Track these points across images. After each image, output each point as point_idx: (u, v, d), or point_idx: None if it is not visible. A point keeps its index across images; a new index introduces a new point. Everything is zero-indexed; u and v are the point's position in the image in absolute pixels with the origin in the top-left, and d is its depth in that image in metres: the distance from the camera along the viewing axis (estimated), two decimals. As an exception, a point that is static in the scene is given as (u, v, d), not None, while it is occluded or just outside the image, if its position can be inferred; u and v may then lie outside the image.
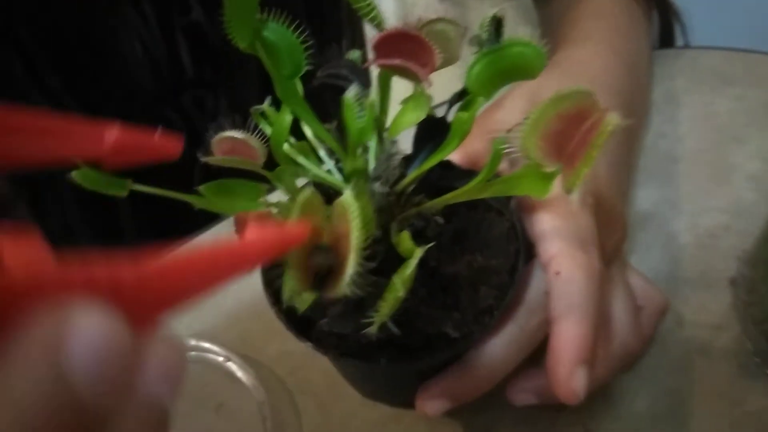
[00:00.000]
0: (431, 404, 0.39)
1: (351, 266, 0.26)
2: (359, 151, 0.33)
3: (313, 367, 0.50)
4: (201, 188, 0.34)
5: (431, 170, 0.35)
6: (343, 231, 0.27)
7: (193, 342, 0.52)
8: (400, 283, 0.28)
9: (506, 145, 0.29)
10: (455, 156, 0.42)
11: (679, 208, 0.56)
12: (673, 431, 0.44)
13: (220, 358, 0.51)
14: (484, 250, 0.38)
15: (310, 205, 0.27)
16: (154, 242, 0.19)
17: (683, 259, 0.53)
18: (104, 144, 0.22)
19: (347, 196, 0.27)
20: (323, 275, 0.28)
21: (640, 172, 0.58)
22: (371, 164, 0.34)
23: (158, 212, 0.64)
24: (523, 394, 0.41)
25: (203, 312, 0.55)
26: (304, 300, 0.29)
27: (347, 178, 0.33)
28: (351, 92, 0.32)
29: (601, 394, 0.46)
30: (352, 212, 0.27)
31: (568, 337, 0.35)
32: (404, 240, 0.32)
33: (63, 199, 0.67)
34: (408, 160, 0.36)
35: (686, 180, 0.58)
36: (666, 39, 0.71)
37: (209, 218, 0.65)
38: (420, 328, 0.36)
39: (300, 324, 0.37)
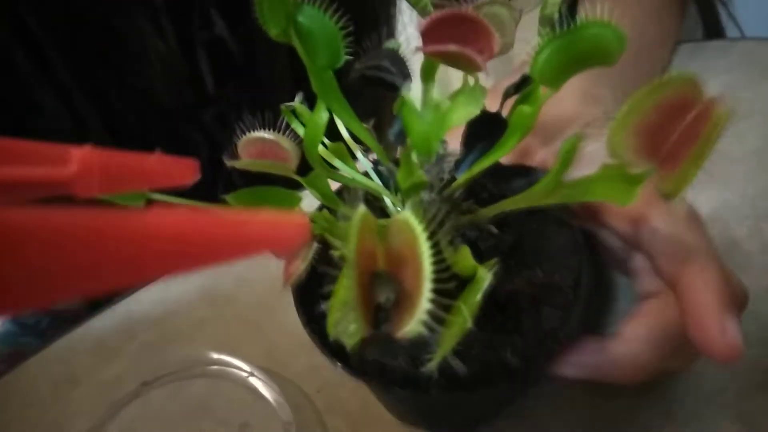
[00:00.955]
0: (566, 368, 0.34)
1: (424, 300, 0.22)
2: (416, 160, 0.29)
3: (344, 384, 0.46)
4: (229, 198, 0.30)
5: (485, 175, 0.31)
6: (407, 255, 0.23)
7: (214, 355, 0.49)
8: (468, 310, 0.24)
9: (583, 141, 0.24)
10: None
11: (742, 212, 0.52)
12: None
13: (244, 374, 0.48)
14: (544, 264, 0.33)
15: (367, 226, 0.23)
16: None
17: (748, 268, 0.48)
18: (69, 169, 0.18)
19: (410, 216, 0.23)
20: (386, 308, 0.24)
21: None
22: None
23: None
24: (574, 368, 0.35)
25: (225, 323, 0.52)
26: (355, 336, 0.25)
27: (405, 194, 0.29)
28: (406, 87, 0.28)
29: (663, 413, 0.42)
30: (419, 236, 0.23)
31: (703, 284, 0.29)
32: (464, 257, 0.27)
33: None
34: (455, 163, 0.32)
35: (748, 182, 0.53)
36: (712, 29, 0.66)
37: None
38: (475, 355, 0.31)
39: (335, 345, 0.33)
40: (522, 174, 0.33)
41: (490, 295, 0.33)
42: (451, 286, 0.23)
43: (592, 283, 0.33)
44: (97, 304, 0.56)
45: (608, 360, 0.33)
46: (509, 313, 0.32)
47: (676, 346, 0.33)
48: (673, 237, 0.31)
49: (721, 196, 0.52)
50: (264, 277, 0.54)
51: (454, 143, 0.32)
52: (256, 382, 0.47)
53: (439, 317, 0.23)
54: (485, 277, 0.24)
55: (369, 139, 0.31)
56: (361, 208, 0.23)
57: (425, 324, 0.22)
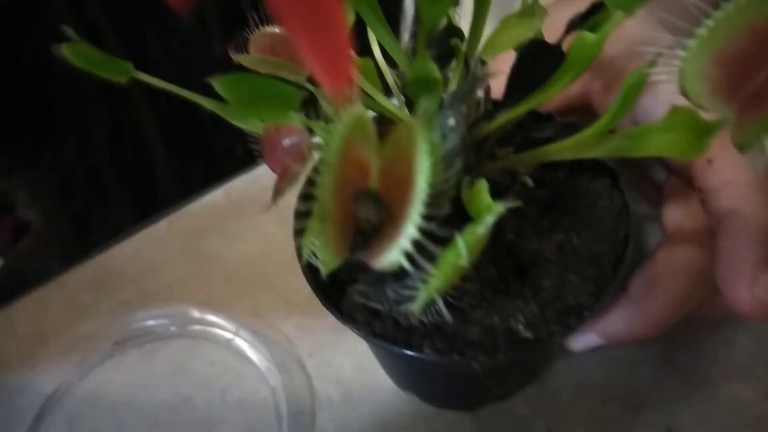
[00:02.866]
0: (581, 339, 0.32)
1: (408, 225, 0.18)
2: (431, 50, 0.24)
3: (338, 347, 0.42)
4: (216, 82, 0.25)
5: (524, 119, 0.26)
6: (401, 174, 0.19)
7: (195, 314, 0.44)
8: (466, 246, 0.19)
9: (654, 72, 0.20)
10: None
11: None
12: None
13: (228, 334, 0.44)
14: (582, 231, 0.29)
15: (359, 129, 0.19)
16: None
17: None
18: None
19: (413, 121, 0.19)
20: (366, 232, 0.20)
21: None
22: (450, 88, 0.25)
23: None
24: (584, 337, 0.33)
25: (209, 280, 0.47)
26: (327, 262, 0.21)
27: (413, 88, 0.24)
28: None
29: (689, 385, 0.38)
30: (418, 146, 0.18)
31: (744, 233, 0.27)
32: (479, 193, 0.23)
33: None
34: (501, 103, 0.27)
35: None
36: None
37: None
38: (480, 319, 0.27)
39: (330, 288, 0.29)
40: (568, 129, 0.28)
41: (511, 255, 0.29)
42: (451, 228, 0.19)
43: (633, 258, 0.29)
44: (71, 258, 0.51)
45: (641, 320, 0.30)
46: (530, 278, 0.28)
47: (702, 283, 0.30)
48: (727, 177, 0.28)
49: None
50: (254, 234, 0.50)
51: (501, 82, 0.28)
52: (241, 344, 0.43)
53: (427, 251, 0.18)
54: (495, 210, 0.20)
55: (401, 57, 0.27)
56: (358, 107, 0.19)
57: (407, 255, 0.17)
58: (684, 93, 0.20)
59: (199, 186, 0.54)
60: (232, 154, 0.58)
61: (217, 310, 0.44)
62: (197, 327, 0.44)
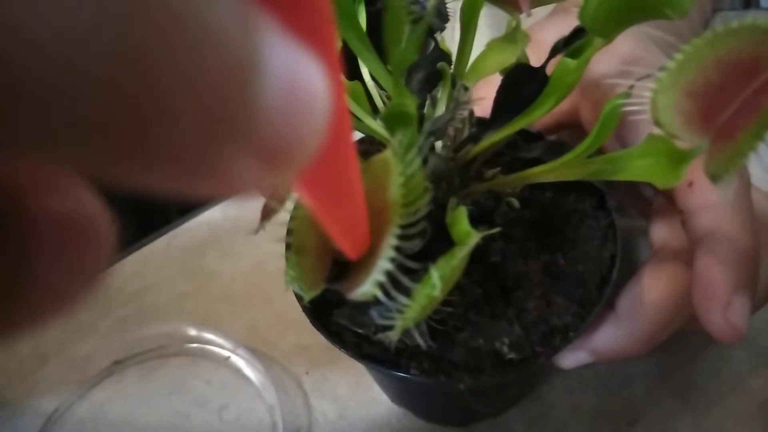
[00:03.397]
0: (571, 357, 0.32)
1: (382, 259, 0.18)
2: (403, 79, 0.24)
3: (334, 364, 0.43)
4: None
5: (514, 138, 0.26)
6: (378, 206, 0.19)
7: (193, 332, 0.45)
8: (439, 277, 0.19)
9: (627, 102, 0.20)
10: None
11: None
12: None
13: (226, 352, 0.44)
14: (568, 252, 0.29)
15: None
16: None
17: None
18: None
19: (389, 153, 0.19)
20: (343, 263, 0.21)
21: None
22: (435, 114, 0.26)
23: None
24: (574, 355, 0.32)
25: (207, 298, 0.48)
26: (306, 291, 0.21)
27: (388, 123, 0.24)
28: (442, 29, 0.24)
29: (682, 400, 0.39)
30: (393, 175, 0.19)
31: (720, 256, 0.27)
32: (459, 219, 0.23)
33: None
34: (486, 125, 0.27)
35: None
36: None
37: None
38: (464, 341, 0.28)
39: (321, 308, 0.29)
40: (557, 149, 0.29)
41: (496, 276, 0.29)
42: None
43: (620, 278, 0.30)
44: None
45: (628, 337, 0.30)
46: (515, 300, 0.28)
47: (688, 300, 0.30)
48: (706, 200, 0.28)
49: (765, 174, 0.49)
50: (250, 252, 0.51)
51: (488, 104, 0.28)
52: (239, 362, 0.43)
53: (401, 283, 0.19)
54: (470, 240, 0.20)
55: (389, 83, 0.27)
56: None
57: (381, 287, 0.18)
58: (657, 123, 0.20)
59: (197, 204, 0.55)
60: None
61: (215, 328, 0.45)
62: (195, 345, 0.45)
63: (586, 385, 0.40)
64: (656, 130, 0.21)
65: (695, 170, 0.29)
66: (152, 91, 0.07)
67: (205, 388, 0.43)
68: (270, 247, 0.51)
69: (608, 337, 0.31)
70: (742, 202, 0.28)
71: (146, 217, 0.60)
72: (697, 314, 0.27)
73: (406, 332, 0.22)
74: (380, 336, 0.21)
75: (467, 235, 0.21)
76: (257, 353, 0.43)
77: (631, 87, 0.20)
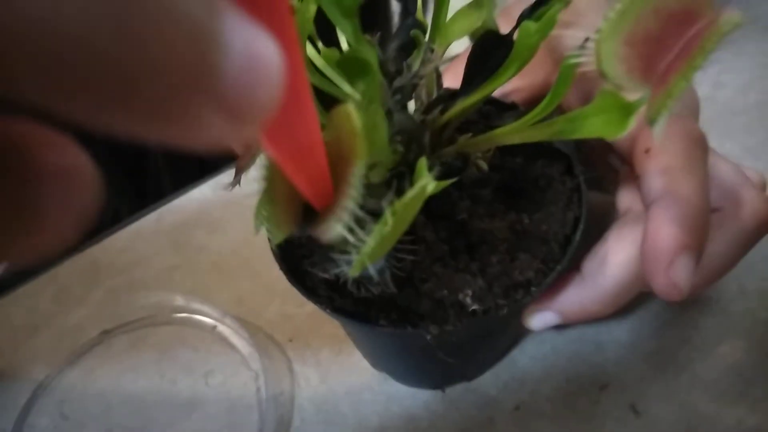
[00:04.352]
0: (538, 317, 0.33)
1: (348, 198, 0.20)
2: (394, 41, 0.25)
3: (316, 333, 0.44)
4: None
5: (488, 109, 0.28)
6: (342, 152, 0.20)
7: (180, 302, 0.46)
8: (393, 214, 0.20)
9: (581, 60, 0.21)
10: (510, 89, 0.35)
11: (744, 163, 0.49)
12: (736, 411, 0.38)
13: (212, 320, 0.45)
14: (534, 212, 0.31)
15: None
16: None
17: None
18: None
19: (350, 104, 0.20)
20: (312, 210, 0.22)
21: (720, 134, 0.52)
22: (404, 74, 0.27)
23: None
24: (541, 315, 0.34)
25: (195, 271, 0.49)
26: (275, 233, 0.22)
27: (344, 70, 0.25)
28: None
29: (653, 366, 0.40)
30: (355, 124, 0.20)
31: (666, 218, 0.28)
32: (420, 170, 0.24)
33: None
34: (457, 92, 0.29)
35: (749, 134, 0.51)
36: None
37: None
38: (429, 291, 0.29)
39: (297, 266, 0.31)
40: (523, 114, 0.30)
41: (462, 233, 0.31)
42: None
43: (586, 238, 0.31)
44: (67, 250, 0.53)
45: (592, 296, 0.31)
46: (479, 255, 0.29)
47: None
48: (660, 164, 0.29)
49: (722, 147, 0.50)
50: (238, 225, 0.52)
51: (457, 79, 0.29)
52: (225, 330, 0.45)
53: (364, 222, 0.20)
54: (423, 181, 0.21)
55: (366, 52, 0.28)
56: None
57: (347, 227, 0.19)
58: (602, 74, 0.21)
59: (189, 179, 0.56)
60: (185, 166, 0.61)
61: (203, 298, 0.46)
62: (183, 315, 0.46)
63: (559, 351, 0.41)
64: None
65: (651, 138, 0.31)
66: (134, 54, 0.09)
67: (191, 356, 0.44)
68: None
69: (574, 297, 0.33)
70: (695, 166, 0.30)
71: (137, 193, 0.61)
72: (644, 271, 0.28)
73: (371, 279, 0.24)
74: (340, 274, 0.22)
75: (423, 179, 0.22)
76: (243, 322, 0.45)
77: (585, 42, 0.21)
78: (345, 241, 0.21)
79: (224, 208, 0.54)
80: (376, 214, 0.21)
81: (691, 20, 0.19)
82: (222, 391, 0.42)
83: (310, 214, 0.23)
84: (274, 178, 0.22)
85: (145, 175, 0.62)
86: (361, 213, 0.20)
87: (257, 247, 0.50)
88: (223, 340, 0.45)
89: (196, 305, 0.46)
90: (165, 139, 0.11)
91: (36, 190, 0.11)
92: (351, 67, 0.22)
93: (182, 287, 0.48)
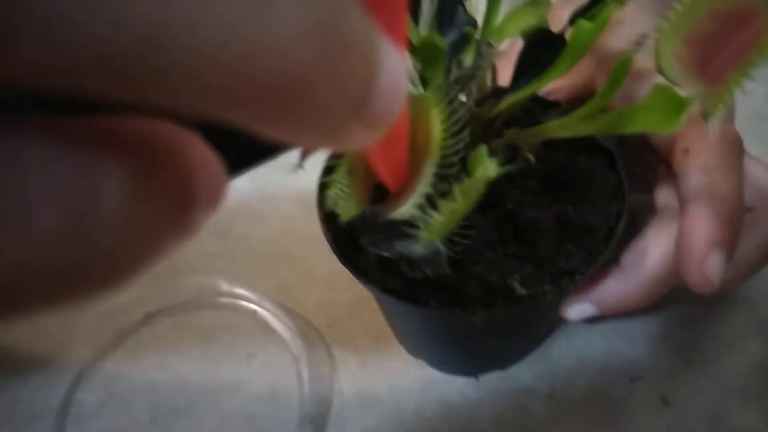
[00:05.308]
0: (576, 308, 0.34)
1: (424, 181, 0.21)
2: (447, 36, 0.27)
3: (355, 319, 0.46)
4: None
5: (533, 106, 0.29)
6: (417, 139, 0.22)
7: (224, 287, 0.48)
8: (462, 194, 0.22)
9: (635, 57, 0.23)
10: (551, 88, 0.36)
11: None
12: (763, 405, 0.39)
13: (255, 306, 0.47)
14: (578, 204, 0.32)
15: None
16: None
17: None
18: None
19: (428, 93, 0.22)
20: (384, 188, 0.23)
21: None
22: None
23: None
24: (579, 306, 0.35)
25: (236, 258, 0.51)
26: (349, 209, 0.24)
27: (418, 55, 0.26)
28: None
29: (683, 359, 0.41)
30: (433, 112, 0.21)
31: (701, 215, 0.30)
32: (479, 156, 0.26)
33: None
34: (507, 88, 0.30)
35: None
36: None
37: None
38: (479, 275, 0.30)
39: (348, 247, 0.32)
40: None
41: (511, 221, 0.32)
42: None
43: (624, 234, 0.32)
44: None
45: (631, 288, 0.33)
46: (527, 241, 0.31)
47: None
48: (698, 164, 0.31)
49: (751, 151, 0.51)
50: (277, 215, 0.54)
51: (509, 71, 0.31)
52: (266, 315, 0.46)
53: (435, 203, 0.22)
54: (488, 164, 0.22)
55: (418, 40, 0.30)
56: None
57: (420, 207, 0.21)
58: (660, 70, 0.23)
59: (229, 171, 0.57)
60: (257, 145, 0.62)
61: (244, 284, 0.48)
62: (225, 299, 0.48)
63: (592, 343, 0.42)
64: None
65: (691, 138, 0.32)
66: (323, 83, 0.10)
67: (234, 339, 0.46)
68: (295, 212, 0.55)
69: (612, 288, 0.34)
70: (732, 166, 0.31)
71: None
72: (677, 265, 0.30)
73: (427, 259, 0.25)
74: (406, 251, 0.24)
75: (487, 165, 0.24)
76: (284, 308, 0.46)
77: (639, 42, 0.23)
78: (415, 218, 0.22)
79: (262, 200, 0.55)
80: (441, 195, 0.23)
81: (746, 21, 0.21)
82: (264, 374, 0.44)
83: (380, 194, 0.24)
84: (352, 158, 0.24)
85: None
86: (432, 193, 0.22)
87: (296, 237, 0.52)
88: (265, 325, 0.46)
89: (239, 290, 0.48)
90: (305, 145, 0.12)
91: (189, 189, 0.12)
92: (426, 53, 0.23)
93: (225, 273, 0.50)
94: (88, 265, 0.10)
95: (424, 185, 0.21)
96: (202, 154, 0.12)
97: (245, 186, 0.57)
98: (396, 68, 0.12)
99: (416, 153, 0.22)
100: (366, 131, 0.12)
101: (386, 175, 0.21)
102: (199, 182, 0.12)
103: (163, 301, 0.48)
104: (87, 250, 0.10)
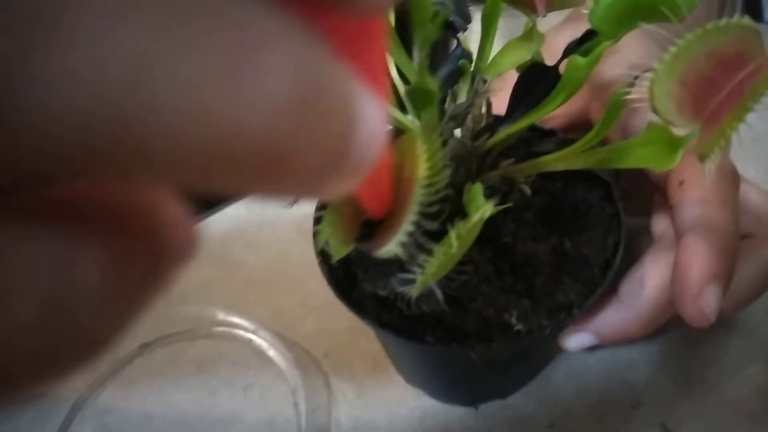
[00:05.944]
0: (575, 338, 0.34)
1: (407, 219, 0.21)
2: (442, 69, 0.27)
3: (352, 348, 0.45)
4: None
5: (528, 135, 0.29)
6: (405, 176, 0.22)
7: (220, 316, 0.47)
8: (457, 237, 0.22)
9: (630, 95, 0.23)
10: (547, 116, 0.36)
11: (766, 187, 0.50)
12: (764, 431, 0.39)
13: (251, 335, 0.46)
14: (575, 236, 0.32)
15: None
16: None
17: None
18: None
19: (415, 131, 0.22)
20: (372, 225, 0.23)
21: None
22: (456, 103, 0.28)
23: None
24: (578, 336, 0.35)
25: (232, 285, 0.50)
26: (340, 249, 0.24)
27: (411, 98, 0.26)
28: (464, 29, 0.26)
29: (683, 385, 0.41)
30: (418, 151, 0.21)
31: (697, 248, 0.29)
32: (475, 194, 0.26)
33: None
34: (502, 119, 0.30)
35: (772, 159, 0.52)
36: (751, 12, 0.65)
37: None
38: (476, 310, 0.30)
39: (343, 282, 0.32)
40: (568, 144, 0.31)
41: (507, 255, 0.32)
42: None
43: (623, 269, 0.32)
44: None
45: (629, 318, 0.33)
46: (523, 275, 0.31)
47: None
48: (693, 197, 0.31)
49: (746, 172, 0.51)
50: (273, 241, 0.53)
51: (504, 102, 0.31)
52: (263, 344, 0.46)
53: (422, 242, 0.21)
54: (485, 208, 0.22)
55: (413, 75, 0.30)
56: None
57: (404, 246, 0.20)
58: (654, 110, 0.22)
59: (224, 198, 0.57)
60: None
61: (240, 312, 0.47)
62: (221, 329, 0.47)
63: (591, 370, 0.42)
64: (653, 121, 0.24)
65: (686, 170, 0.32)
66: (298, 146, 0.10)
67: (230, 369, 0.46)
68: (291, 237, 0.54)
69: (611, 318, 0.34)
70: (727, 199, 0.31)
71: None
72: (673, 299, 0.30)
73: (423, 297, 0.25)
74: (402, 293, 0.24)
75: (482, 205, 0.23)
76: (280, 337, 0.46)
77: (634, 80, 0.23)
78: (409, 258, 0.22)
79: (258, 225, 0.55)
80: (431, 235, 0.23)
81: (742, 64, 0.21)
82: (261, 405, 0.43)
83: (369, 233, 0.24)
84: (340, 201, 0.24)
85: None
86: (419, 232, 0.21)
87: (292, 264, 0.51)
88: (261, 354, 0.46)
89: (235, 319, 0.47)
90: (282, 196, 0.12)
91: (163, 251, 0.12)
92: (417, 97, 0.23)
93: (219, 301, 0.49)
94: (72, 341, 0.10)
95: (407, 223, 0.21)
96: (173, 211, 0.12)
97: (241, 212, 0.56)
98: (374, 117, 0.12)
99: (402, 190, 0.21)
100: (344, 181, 0.12)
101: (372, 210, 0.21)
102: (171, 241, 0.12)
103: (158, 331, 0.48)
104: (68, 331, 0.10)
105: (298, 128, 0.10)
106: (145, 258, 0.11)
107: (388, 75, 0.16)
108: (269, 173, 0.10)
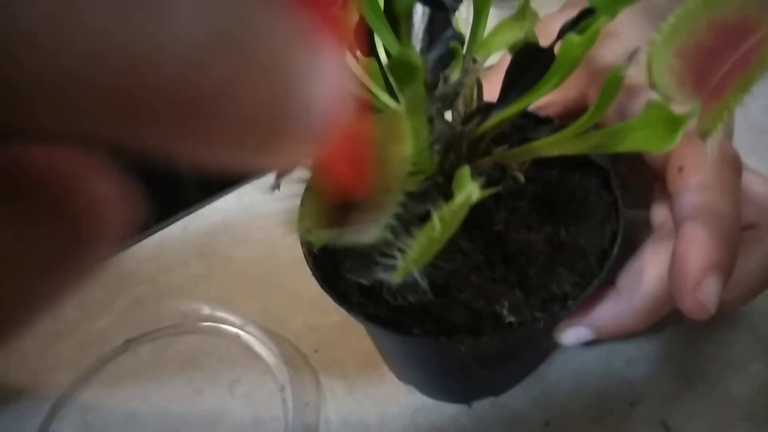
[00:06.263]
0: (571, 332, 0.33)
1: (390, 202, 0.20)
2: (432, 51, 0.25)
3: (342, 344, 0.44)
4: None
5: (523, 122, 0.27)
6: (388, 156, 0.20)
7: (206, 311, 0.46)
8: (440, 219, 0.20)
9: (627, 73, 0.21)
10: (543, 103, 0.35)
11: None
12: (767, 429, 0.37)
13: (238, 330, 0.45)
14: (571, 225, 0.30)
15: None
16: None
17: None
18: None
19: (399, 108, 0.20)
20: (353, 209, 0.22)
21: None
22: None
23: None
24: (574, 330, 0.33)
25: (220, 280, 0.49)
26: (320, 235, 0.22)
27: (394, 74, 0.25)
28: (456, 8, 0.25)
29: (684, 382, 0.39)
30: (402, 128, 0.20)
31: (696, 237, 0.28)
32: (462, 177, 0.24)
33: None
34: (495, 104, 0.29)
35: (775, 151, 0.51)
36: None
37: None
38: (466, 301, 0.29)
39: (330, 273, 0.30)
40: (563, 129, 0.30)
41: (499, 244, 0.30)
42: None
43: (620, 253, 0.31)
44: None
45: (628, 311, 0.31)
46: (516, 265, 0.29)
47: None
48: (693, 183, 0.29)
49: (749, 163, 0.50)
50: (262, 238, 0.52)
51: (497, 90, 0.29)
52: (251, 340, 0.45)
53: (409, 227, 0.20)
54: (471, 191, 0.21)
55: (395, 44, 0.28)
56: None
57: (391, 228, 0.19)
58: (653, 85, 0.21)
59: (216, 190, 0.56)
60: (204, 181, 0.61)
61: (227, 308, 0.46)
62: (208, 324, 0.46)
63: (589, 367, 0.41)
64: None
65: (686, 156, 0.30)
66: (220, 87, 0.09)
67: (216, 365, 0.44)
68: (281, 232, 0.53)
69: (609, 311, 0.32)
70: (729, 185, 0.29)
71: (165, 202, 0.62)
72: (671, 290, 0.28)
73: (408, 286, 0.23)
74: (383, 281, 0.22)
75: (468, 187, 0.22)
76: (268, 332, 0.45)
77: (631, 57, 0.21)
78: (388, 244, 0.21)
79: (249, 219, 0.54)
80: (416, 220, 0.21)
81: (746, 34, 0.19)
82: (248, 402, 0.42)
83: (352, 219, 0.23)
84: (317, 183, 0.22)
85: (174, 185, 0.62)
86: (403, 214, 0.20)
87: (282, 258, 0.50)
88: (249, 350, 0.45)
89: (222, 314, 0.46)
90: (240, 164, 0.11)
91: (84, 227, 0.11)
92: (400, 71, 0.22)
93: (207, 296, 0.48)
94: None
95: (390, 203, 0.20)
96: (103, 186, 0.11)
97: (230, 206, 0.55)
98: (326, 74, 0.11)
99: (385, 172, 0.20)
100: (303, 147, 0.11)
101: (352, 190, 0.19)
102: (97, 217, 0.11)
103: (143, 326, 0.46)
104: None
105: (217, 67, 0.09)
106: (57, 227, 0.10)
107: (351, 35, 0.14)
108: (196, 119, 0.09)
